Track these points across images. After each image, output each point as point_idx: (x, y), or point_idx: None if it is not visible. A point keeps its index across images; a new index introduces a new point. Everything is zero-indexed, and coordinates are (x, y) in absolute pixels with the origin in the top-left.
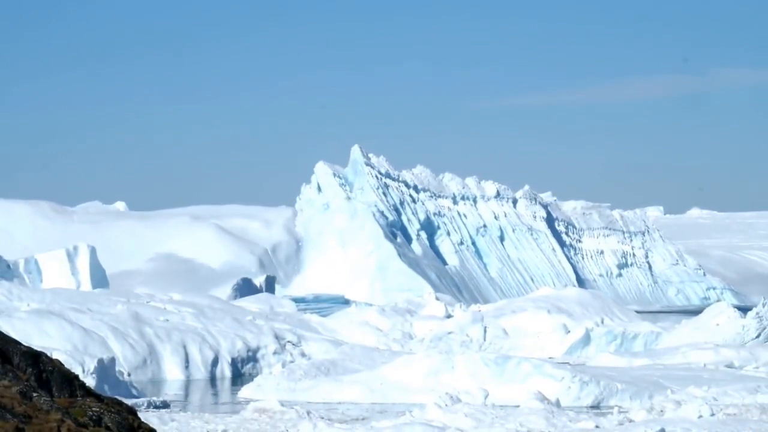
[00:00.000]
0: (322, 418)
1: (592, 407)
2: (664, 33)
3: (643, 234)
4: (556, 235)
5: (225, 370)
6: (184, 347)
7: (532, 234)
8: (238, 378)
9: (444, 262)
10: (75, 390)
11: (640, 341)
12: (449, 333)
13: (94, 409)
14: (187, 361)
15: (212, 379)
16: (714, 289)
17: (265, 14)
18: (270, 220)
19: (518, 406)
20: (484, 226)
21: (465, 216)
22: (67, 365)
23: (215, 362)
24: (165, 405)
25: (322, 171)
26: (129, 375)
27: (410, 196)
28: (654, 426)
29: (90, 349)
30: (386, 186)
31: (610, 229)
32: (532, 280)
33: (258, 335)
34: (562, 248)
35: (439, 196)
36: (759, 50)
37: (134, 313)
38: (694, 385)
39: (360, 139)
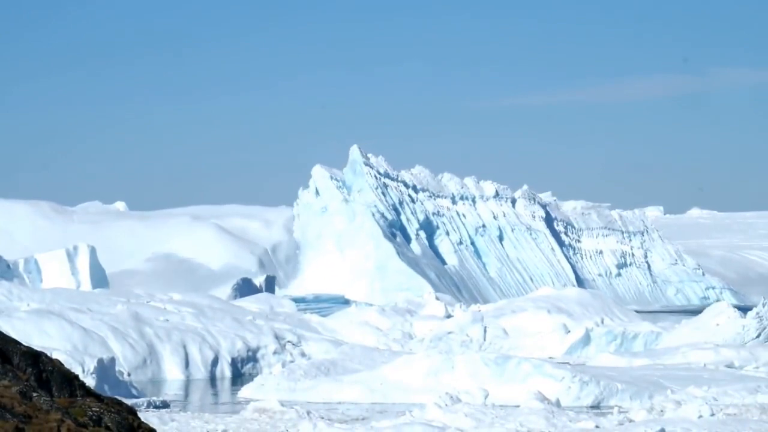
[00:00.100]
0: (322, 418)
1: (592, 407)
2: (664, 33)
3: (642, 234)
4: (555, 235)
5: (225, 370)
6: (184, 347)
7: (531, 234)
8: (238, 378)
9: (443, 262)
10: (75, 390)
11: (640, 341)
12: (449, 333)
13: (94, 409)
14: (187, 361)
15: (212, 379)
16: (713, 288)
17: (265, 14)
18: (270, 220)
19: (518, 406)
20: (483, 225)
21: (464, 216)
22: (67, 365)
23: (215, 362)
24: (165, 405)
25: (319, 174)
26: (129, 375)
27: (409, 196)
28: (654, 426)
29: (90, 349)
30: (385, 186)
31: (609, 229)
32: (531, 279)
33: (258, 335)
34: (561, 248)
35: (438, 196)
36: (759, 50)
37: (134, 313)
38: (694, 385)
39: (359, 139)
